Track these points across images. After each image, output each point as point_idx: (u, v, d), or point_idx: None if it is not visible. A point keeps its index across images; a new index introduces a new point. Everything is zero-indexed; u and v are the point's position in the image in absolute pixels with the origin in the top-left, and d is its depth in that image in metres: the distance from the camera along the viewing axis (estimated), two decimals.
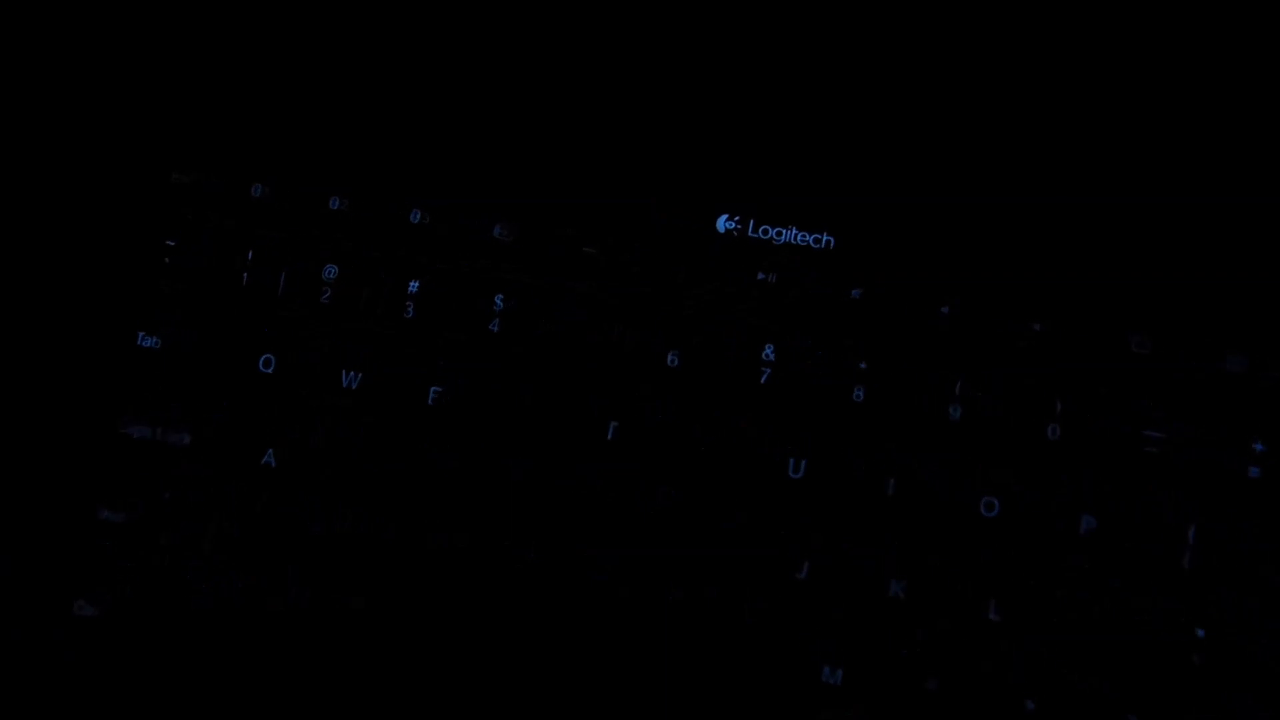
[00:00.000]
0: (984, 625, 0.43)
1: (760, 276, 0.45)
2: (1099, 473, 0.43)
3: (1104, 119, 0.45)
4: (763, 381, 0.45)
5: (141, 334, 0.48)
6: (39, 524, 0.47)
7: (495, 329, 0.46)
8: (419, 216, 0.47)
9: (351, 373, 0.47)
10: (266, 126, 0.48)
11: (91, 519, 0.46)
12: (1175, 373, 0.43)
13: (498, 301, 0.46)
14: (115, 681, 0.46)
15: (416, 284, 0.47)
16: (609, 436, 0.45)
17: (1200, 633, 0.42)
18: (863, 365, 0.44)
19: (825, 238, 0.45)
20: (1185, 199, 0.44)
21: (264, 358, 0.47)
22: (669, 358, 0.45)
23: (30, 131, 0.49)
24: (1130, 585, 0.42)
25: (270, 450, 0.47)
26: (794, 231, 0.45)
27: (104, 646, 0.46)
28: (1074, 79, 0.45)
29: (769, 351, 0.45)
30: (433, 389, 0.46)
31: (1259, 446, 0.42)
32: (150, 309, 0.48)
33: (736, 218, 0.46)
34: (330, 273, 0.47)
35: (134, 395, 0.47)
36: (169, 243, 0.48)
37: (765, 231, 0.45)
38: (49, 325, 0.48)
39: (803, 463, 0.44)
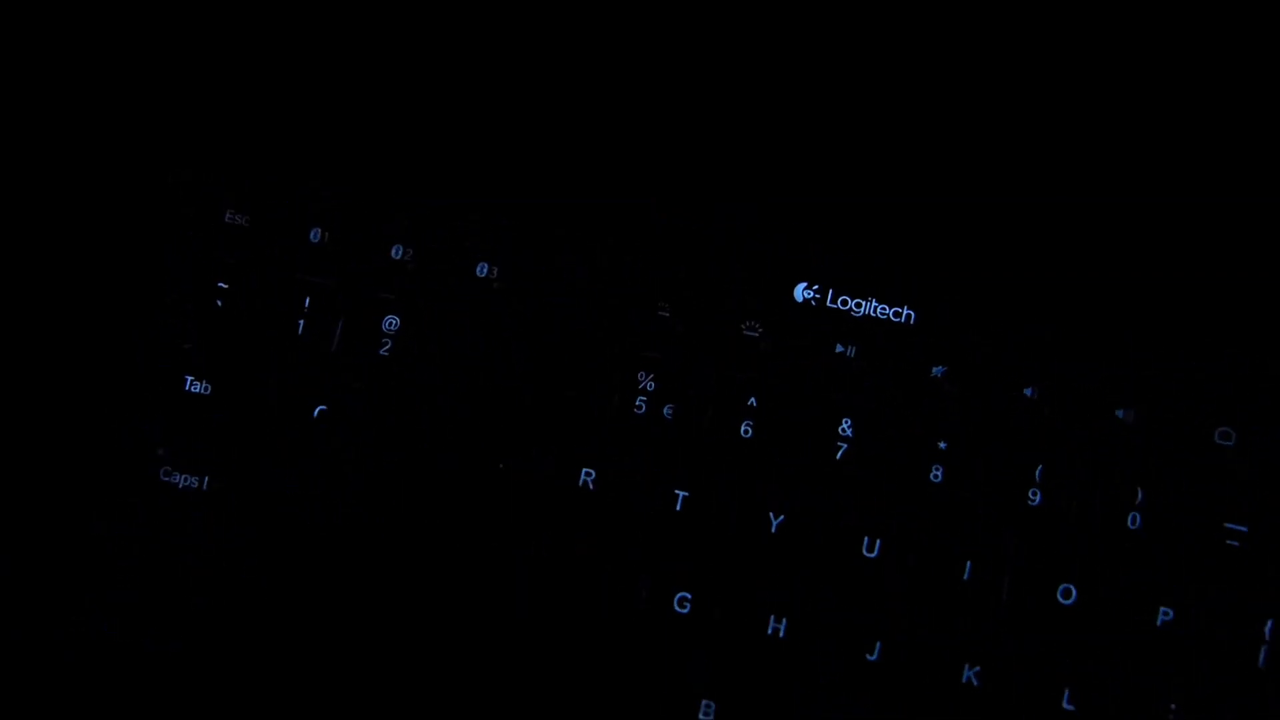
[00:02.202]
0: (1058, 712, 0.42)
1: (839, 349, 0.44)
2: (1178, 564, 0.42)
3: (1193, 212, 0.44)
4: (839, 457, 0.44)
5: (190, 378, 0.46)
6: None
7: (557, 386, 0.45)
8: (486, 270, 0.46)
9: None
10: (318, 164, 0.47)
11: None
12: (1258, 466, 0.43)
13: (560, 356, 0.45)
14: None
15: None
16: (677, 507, 0.44)
17: None
18: (942, 445, 0.43)
19: (906, 311, 0.44)
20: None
21: (319, 409, 0.46)
22: (743, 428, 0.44)
23: (48, 144, 0.48)
24: (1205, 680, 0.42)
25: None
26: (873, 304, 0.44)
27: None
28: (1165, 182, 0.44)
29: (846, 426, 0.44)
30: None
31: None
32: (199, 349, 0.46)
33: (815, 286, 0.45)
34: (391, 324, 0.46)
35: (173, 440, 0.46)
36: (221, 285, 0.46)
37: (844, 302, 0.45)
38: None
39: (878, 542, 0.43)
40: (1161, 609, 0.42)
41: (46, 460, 0.46)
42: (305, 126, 0.47)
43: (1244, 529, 0.42)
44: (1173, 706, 0.42)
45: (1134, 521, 0.43)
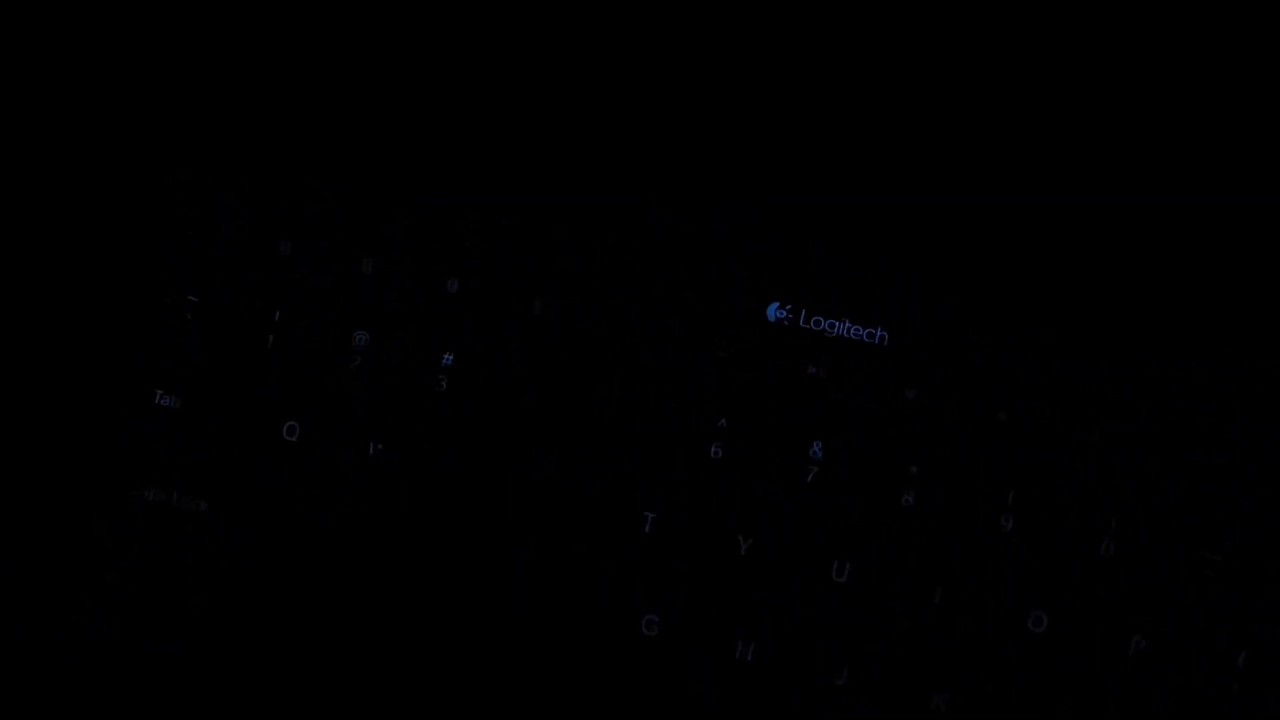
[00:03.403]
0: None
1: (811, 371, 0.44)
2: (1153, 587, 0.42)
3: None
4: (809, 480, 0.43)
5: (160, 392, 0.46)
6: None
7: (527, 402, 0.45)
8: (455, 286, 0.45)
9: (375, 445, 0.45)
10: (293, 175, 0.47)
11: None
12: (1235, 485, 0.42)
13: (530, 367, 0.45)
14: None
15: (450, 358, 0.45)
16: (646, 529, 0.44)
17: None
18: (914, 468, 0.43)
19: (879, 332, 0.44)
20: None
21: (288, 425, 0.45)
22: (713, 449, 0.44)
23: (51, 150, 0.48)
24: (1181, 703, 0.42)
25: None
26: (847, 325, 0.44)
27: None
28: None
29: (817, 449, 0.43)
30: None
31: None
32: (170, 362, 0.46)
33: (788, 306, 0.44)
34: (361, 339, 0.46)
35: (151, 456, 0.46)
36: (191, 298, 0.46)
37: (817, 322, 0.44)
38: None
39: (847, 566, 0.43)
40: (1135, 639, 0.42)
41: (46, 460, 0.46)
42: (303, 127, 0.47)
43: (1218, 558, 0.42)
44: None
45: (1108, 549, 0.42)
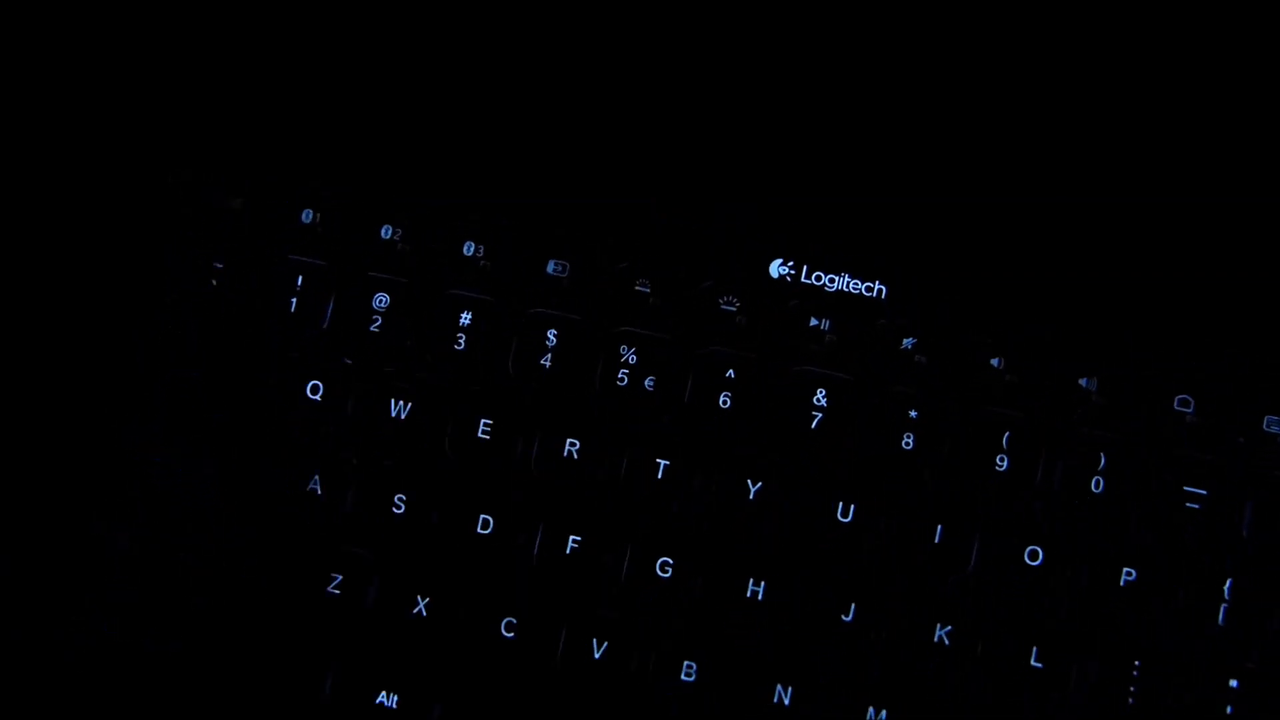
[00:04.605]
0: (1026, 670, 0.44)
1: (813, 323, 0.46)
2: (1140, 525, 0.44)
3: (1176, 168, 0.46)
4: (814, 427, 0.45)
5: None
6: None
7: (547, 364, 0.46)
8: (472, 249, 0.47)
9: (400, 403, 0.47)
10: (310, 144, 0.49)
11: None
12: (1215, 432, 0.44)
13: (550, 337, 0.46)
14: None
15: (469, 316, 0.47)
16: (658, 475, 0.46)
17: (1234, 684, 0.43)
18: (913, 414, 0.45)
19: (877, 286, 0.46)
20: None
21: (311, 384, 0.47)
22: (721, 399, 0.46)
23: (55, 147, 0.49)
24: (1169, 635, 0.44)
25: (316, 476, 0.47)
26: (846, 279, 0.46)
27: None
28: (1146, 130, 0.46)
29: (820, 396, 0.45)
30: (481, 420, 0.46)
31: None
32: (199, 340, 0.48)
33: (790, 263, 0.46)
34: (381, 302, 0.47)
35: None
36: (217, 264, 0.48)
37: (818, 278, 0.46)
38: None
39: (852, 507, 0.45)
40: (1125, 569, 0.44)
41: (46, 460, 0.47)
42: (303, 126, 0.49)
43: (1203, 492, 0.44)
44: (1136, 663, 0.44)
45: (1098, 486, 0.44)
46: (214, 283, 0.48)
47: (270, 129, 0.49)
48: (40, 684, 0.47)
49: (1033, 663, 0.44)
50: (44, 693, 0.47)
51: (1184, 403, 0.44)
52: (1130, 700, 0.43)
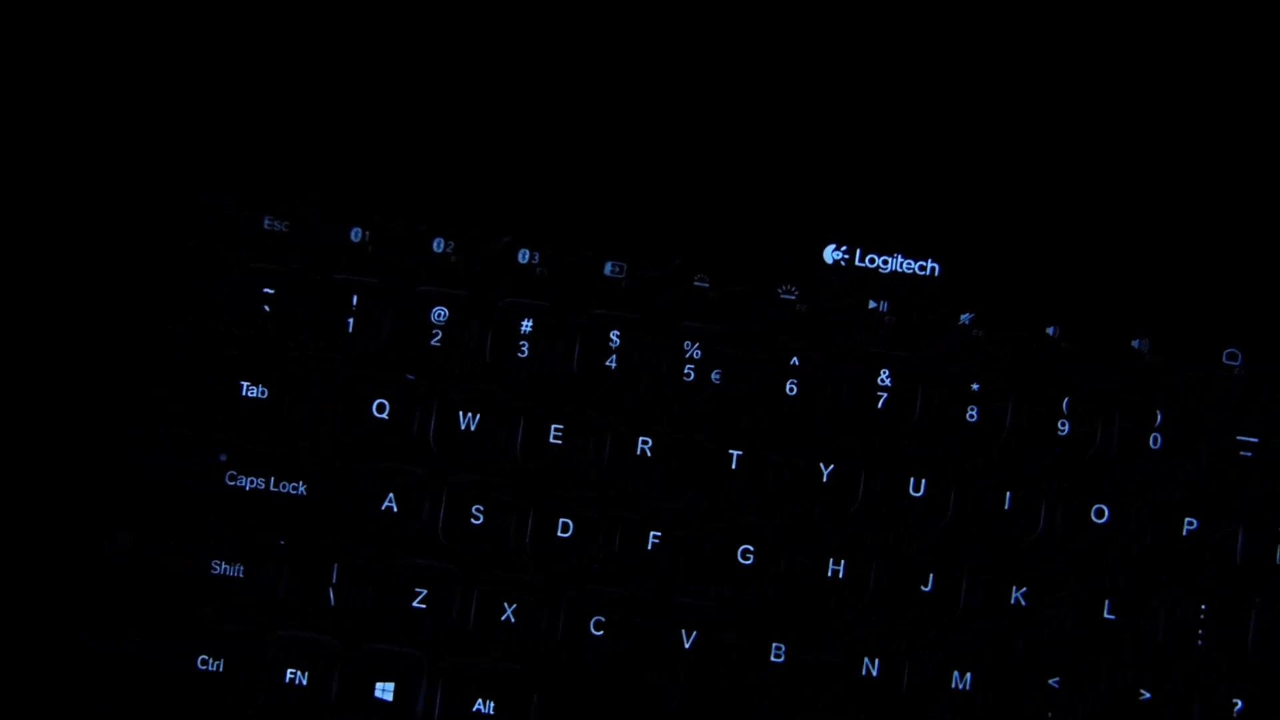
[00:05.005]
0: (1100, 622, 0.46)
1: (871, 305, 0.47)
2: (1198, 478, 0.46)
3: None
4: (879, 407, 0.47)
5: (245, 384, 0.48)
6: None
7: (613, 365, 0.47)
8: (527, 256, 0.48)
9: (470, 414, 0.47)
10: (354, 170, 0.48)
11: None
12: (1265, 382, 0.46)
13: (614, 338, 0.47)
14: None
15: (529, 323, 0.47)
16: (732, 466, 0.47)
17: None
18: (975, 387, 0.46)
19: (930, 264, 0.47)
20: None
21: (377, 402, 0.47)
22: (788, 386, 0.47)
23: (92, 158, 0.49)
24: (1233, 580, 0.46)
25: (391, 495, 0.47)
26: (899, 259, 0.47)
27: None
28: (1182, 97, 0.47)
29: (885, 376, 0.47)
30: (554, 427, 0.47)
31: None
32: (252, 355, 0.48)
33: (844, 247, 0.47)
34: (440, 315, 0.48)
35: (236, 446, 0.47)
36: (266, 290, 0.48)
37: (871, 260, 0.47)
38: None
39: (923, 482, 0.46)
40: (1187, 520, 0.46)
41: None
42: (342, 146, 0.48)
43: (1255, 440, 0.46)
44: (1203, 606, 0.46)
45: (1155, 442, 0.46)
46: (266, 309, 0.48)
47: (308, 150, 0.48)
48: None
49: (1106, 615, 0.46)
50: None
51: (1232, 356, 0.46)
52: (1198, 646, 0.46)
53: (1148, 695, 0.45)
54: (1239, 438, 0.46)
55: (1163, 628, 0.46)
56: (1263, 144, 0.47)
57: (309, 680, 0.47)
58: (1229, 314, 0.46)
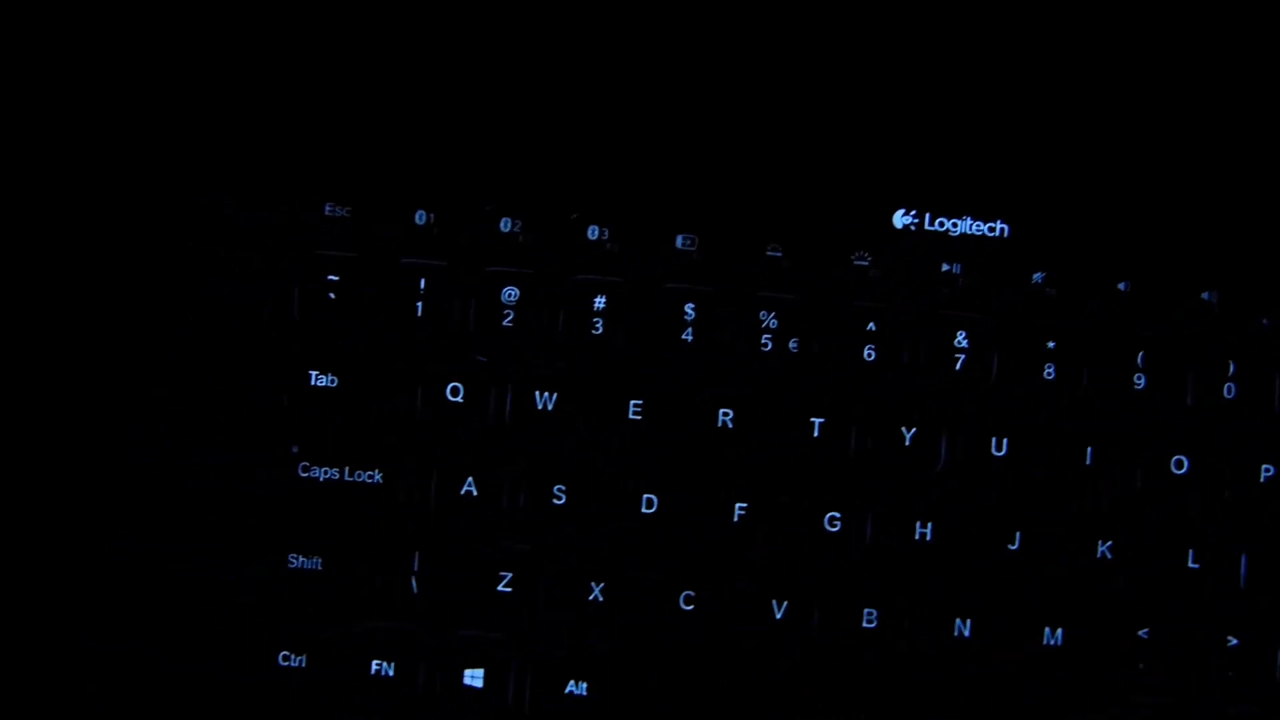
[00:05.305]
0: (1184, 573, 0.46)
1: (945, 268, 0.47)
2: (1274, 427, 0.47)
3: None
4: (958, 369, 0.47)
5: (315, 373, 0.47)
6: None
7: (689, 339, 0.47)
8: (597, 233, 0.47)
9: (546, 394, 0.47)
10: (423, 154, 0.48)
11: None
12: None
13: (689, 311, 0.47)
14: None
15: (603, 299, 0.47)
16: (814, 435, 0.47)
17: None
18: (1051, 345, 0.47)
19: (1000, 225, 0.47)
20: None
21: (451, 386, 0.47)
22: (866, 351, 0.47)
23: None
24: None
25: (470, 478, 0.47)
26: (969, 222, 0.47)
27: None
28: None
29: (962, 338, 0.47)
30: (633, 403, 0.47)
31: None
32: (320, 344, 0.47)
33: (913, 212, 0.47)
34: (510, 295, 0.47)
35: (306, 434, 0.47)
36: (331, 277, 0.47)
37: (941, 224, 0.47)
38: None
39: (1005, 441, 0.47)
40: (1264, 467, 0.47)
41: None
42: (401, 131, 0.48)
43: None
44: None
45: (1229, 392, 0.47)
46: (332, 295, 0.47)
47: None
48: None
49: (1190, 564, 0.46)
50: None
51: None
52: None
53: (1235, 641, 0.46)
54: None
55: (1245, 575, 0.46)
56: None
57: (395, 671, 0.46)
58: None
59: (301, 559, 0.47)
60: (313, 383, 0.47)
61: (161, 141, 0.47)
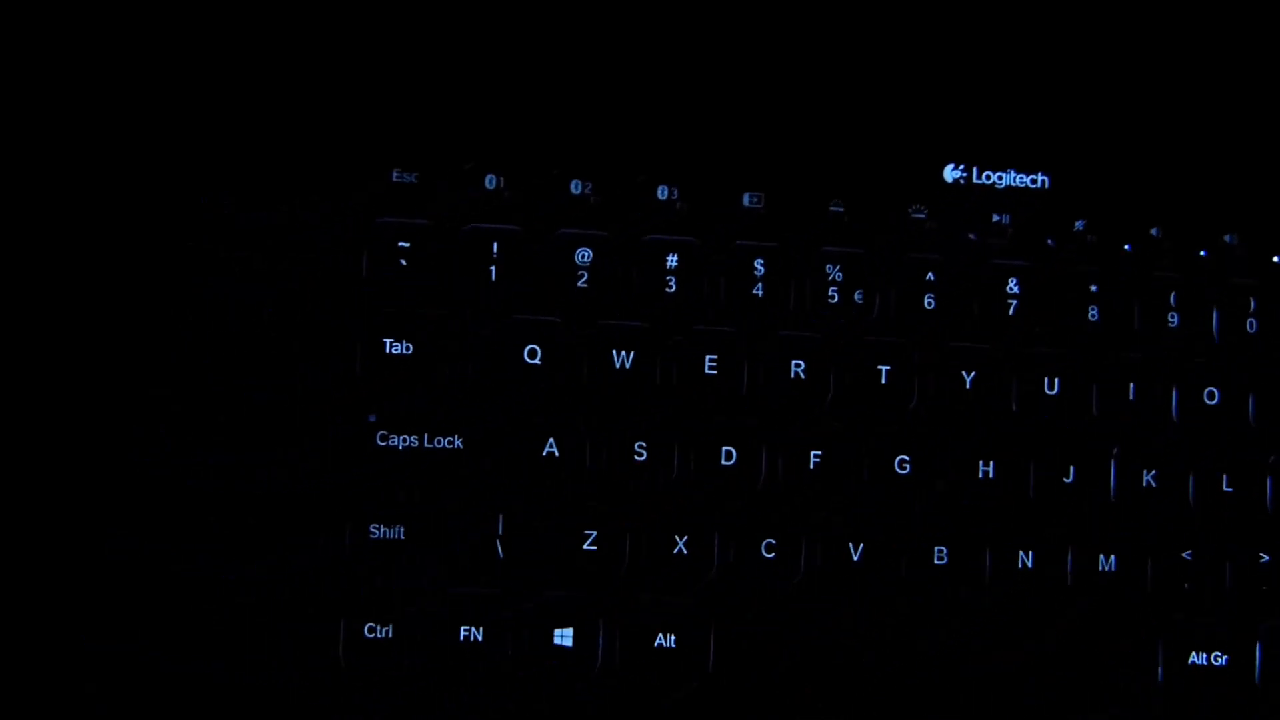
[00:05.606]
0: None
1: (995, 219, 0.50)
2: None
3: None
4: (1011, 314, 0.49)
5: (389, 340, 0.47)
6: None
7: (759, 293, 0.48)
8: (666, 193, 0.48)
9: (624, 353, 0.47)
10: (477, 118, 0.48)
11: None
12: None
13: (758, 266, 0.48)
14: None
15: (675, 258, 0.48)
16: (883, 381, 0.48)
17: None
18: (1094, 289, 0.50)
19: (1040, 177, 0.50)
20: None
21: (529, 347, 0.47)
22: (925, 300, 0.49)
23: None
24: None
25: (552, 439, 0.47)
26: (1013, 174, 0.50)
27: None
28: None
29: (1013, 284, 0.49)
30: (708, 358, 0.48)
31: None
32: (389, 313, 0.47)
33: (962, 166, 0.50)
34: (584, 256, 0.48)
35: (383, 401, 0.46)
36: (402, 244, 0.47)
37: (987, 177, 0.50)
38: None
39: (1057, 381, 0.49)
40: None
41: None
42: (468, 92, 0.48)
43: None
44: None
45: (1251, 327, 0.50)
46: (403, 262, 0.47)
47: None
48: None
49: (1225, 488, 0.50)
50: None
51: None
52: None
53: (1266, 558, 0.50)
54: None
55: (1271, 497, 0.50)
56: None
57: (484, 635, 0.46)
58: None
59: (384, 529, 0.46)
60: (388, 350, 0.46)
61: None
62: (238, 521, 0.46)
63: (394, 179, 0.47)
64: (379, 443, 0.46)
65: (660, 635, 0.47)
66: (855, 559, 0.48)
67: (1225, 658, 0.49)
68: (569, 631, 0.47)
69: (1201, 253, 0.51)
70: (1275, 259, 0.51)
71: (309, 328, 0.46)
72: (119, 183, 0.46)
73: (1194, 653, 0.49)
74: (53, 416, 0.45)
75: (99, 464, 0.45)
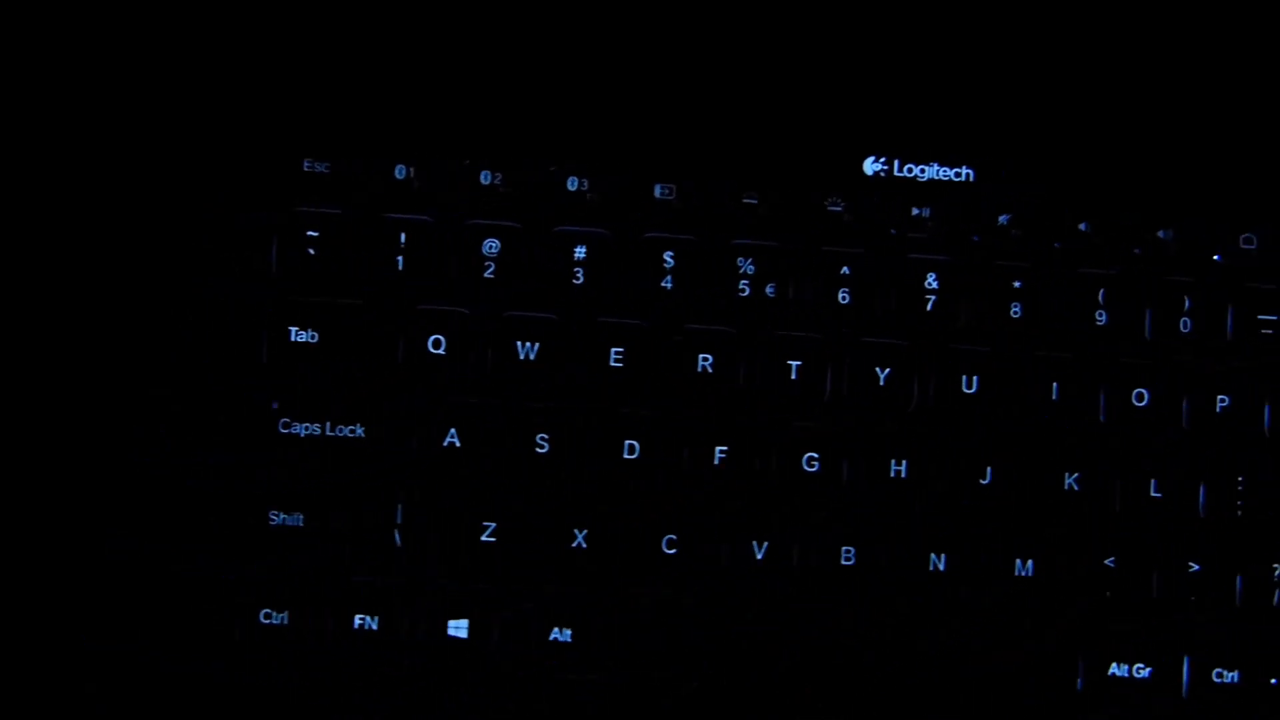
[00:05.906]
0: (1147, 502, 0.48)
1: (915, 212, 0.48)
2: (1231, 355, 0.48)
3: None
4: (929, 309, 0.48)
5: (294, 328, 0.47)
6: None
7: (668, 286, 0.48)
8: (577, 184, 0.48)
9: (528, 344, 0.47)
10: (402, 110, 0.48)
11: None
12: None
13: (667, 259, 0.48)
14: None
15: (584, 249, 0.47)
16: (792, 376, 0.48)
17: None
18: (1017, 284, 0.48)
19: (965, 171, 0.49)
20: None
21: (433, 338, 0.47)
22: (840, 295, 0.48)
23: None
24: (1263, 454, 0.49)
25: (453, 430, 0.47)
26: (936, 168, 0.49)
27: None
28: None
29: (932, 280, 0.48)
30: (613, 350, 0.47)
31: None
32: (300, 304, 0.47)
33: (883, 159, 0.49)
34: (491, 247, 0.47)
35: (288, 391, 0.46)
36: (312, 233, 0.47)
37: (909, 170, 0.49)
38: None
39: (974, 379, 0.48)
40: (1219, 397, 0.48)
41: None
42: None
43: (1275, 318, 0.49)
44: (1240, 478, 0.49)
45: (1185, 326, 0.49)
46: (311, 251, 0.47)
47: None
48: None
49: (1153, 493, 0.48)
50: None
51: (1248, 240, 0.49)
52: (1237, 515, 0.48)
53: (1196, 567, 0.48)
54: (1259, 316, 0.49)
55: (1204, 500, 0.48)
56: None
57: (379, 624, 0.46)
58: (1245, 200, 0.49)
59: (283, 516, 0.46)
60: (292, 338, 0.47)
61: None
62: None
63: (305, 168, 0.47)
64: (280, 430, 0.46)
65: (555, 629, 0.47)
66: (759, 557, 0.47)
67: (1237, 674, 0.47)
68: (464, 623, 0.47)
69: (1135, 249, 0.49)
70: (1213, 251, 0.49)
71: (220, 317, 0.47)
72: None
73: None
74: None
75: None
